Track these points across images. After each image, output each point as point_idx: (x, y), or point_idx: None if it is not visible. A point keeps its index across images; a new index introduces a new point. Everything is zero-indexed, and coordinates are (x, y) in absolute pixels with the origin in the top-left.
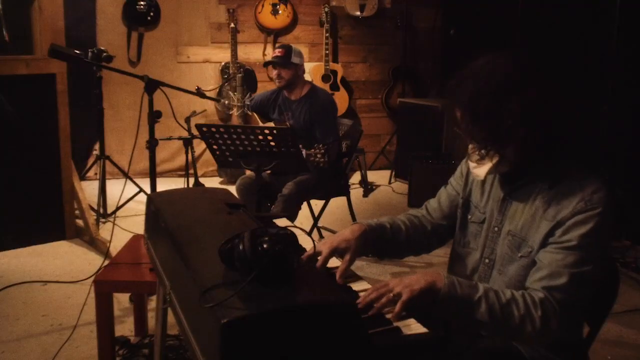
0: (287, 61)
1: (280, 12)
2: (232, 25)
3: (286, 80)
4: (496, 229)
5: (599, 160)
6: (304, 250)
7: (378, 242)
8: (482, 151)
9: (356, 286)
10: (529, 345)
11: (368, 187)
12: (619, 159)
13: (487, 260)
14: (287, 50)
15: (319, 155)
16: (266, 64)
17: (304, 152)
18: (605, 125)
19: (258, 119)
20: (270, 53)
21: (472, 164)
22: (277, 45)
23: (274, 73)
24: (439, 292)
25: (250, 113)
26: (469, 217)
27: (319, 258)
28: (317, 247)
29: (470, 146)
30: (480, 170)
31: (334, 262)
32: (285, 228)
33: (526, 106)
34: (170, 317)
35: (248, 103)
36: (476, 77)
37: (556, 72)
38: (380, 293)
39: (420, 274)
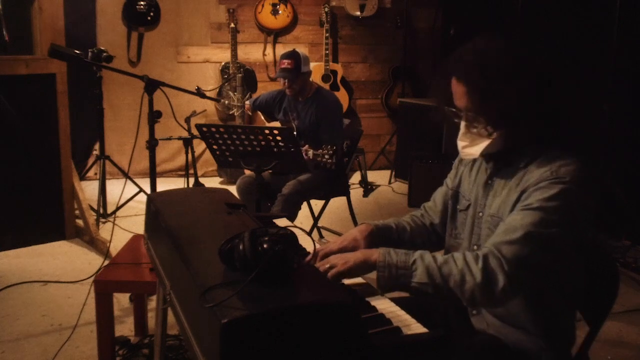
0: (297, 74)
1: (280, 12)
2: (232, 25)
3: (297, 90)
4: (480, 214)
5: (593, 154)
6: (304, 250)
7: (385, 243)
8: (489, 127)
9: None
10: (484, 309)
11: (368, 187)
12: (619, 158)
13: (475, 247)
14: (296, 61)
15: (326, 156)
16: (275, 78)
17: (311, 152)
18: (605, 124)
19: (264, 119)
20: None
21: (462, 143)
22: (282, 54)
23: (284, 83)
24: (374, 263)
25: (249, 113)
26: (458, 207)
27: (327, 251)
28: (326, 245)
29: (463, 124)
30: (474, 149)
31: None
32: (285, 228)
33: (539, 84)
34: (170, 317)
35: (248, 103)
36: (485, 56)
37: (562, 62)
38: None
39: (360, 251)
